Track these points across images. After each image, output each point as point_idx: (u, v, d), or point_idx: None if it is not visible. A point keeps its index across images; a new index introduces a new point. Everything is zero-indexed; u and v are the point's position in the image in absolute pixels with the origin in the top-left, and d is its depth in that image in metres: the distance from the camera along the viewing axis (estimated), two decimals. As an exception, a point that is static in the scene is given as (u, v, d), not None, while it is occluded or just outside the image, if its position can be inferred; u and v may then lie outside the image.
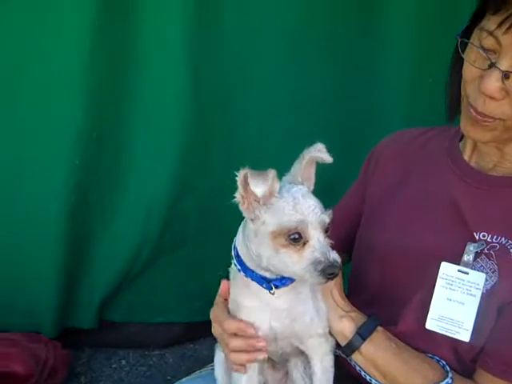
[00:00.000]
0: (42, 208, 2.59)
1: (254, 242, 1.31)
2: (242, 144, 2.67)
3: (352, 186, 1.85)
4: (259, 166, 1.26)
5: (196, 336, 2.98)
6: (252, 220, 1.29)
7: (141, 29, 2.53)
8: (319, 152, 1.34)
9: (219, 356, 1.67)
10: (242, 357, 1.43)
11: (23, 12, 2.41)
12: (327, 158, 1.34)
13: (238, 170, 1.28)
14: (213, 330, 1.52)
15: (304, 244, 1.24)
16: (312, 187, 1.38)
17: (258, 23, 2.63)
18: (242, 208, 1.29)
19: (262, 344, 1.38)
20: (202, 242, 2.81)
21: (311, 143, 1.36)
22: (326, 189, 1.40)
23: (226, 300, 1.48)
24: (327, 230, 1.28)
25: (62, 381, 2.61)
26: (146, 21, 2.52)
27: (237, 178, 1.25)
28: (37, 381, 2.42)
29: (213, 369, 1.70)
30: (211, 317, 1.52)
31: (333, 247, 1.27)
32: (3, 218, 2.64)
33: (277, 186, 1.26)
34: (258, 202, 1.27)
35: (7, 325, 2.69)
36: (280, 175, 1.33)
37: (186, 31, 2.53)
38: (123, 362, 2.85)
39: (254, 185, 1.23)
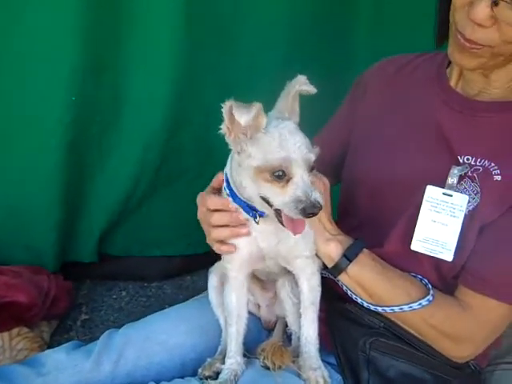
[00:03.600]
0: (40, 144, 2.59)
1: (238, 173, 1.35)
2: (234, 79, 2.66)
3: (339, 110, 1.87)
4: (251, 101, 1.28)
5: (193, 268, 3.02)
6: (238, 152, 1.32)
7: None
8: (303, 85, 1.36)
9: (213, 280, 1.74)
10: (225, 232, 1.45)
11: None
12: (311, 90, 1.36)
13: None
14: (198, 214, 1.54)
15: (288, 181, 1.26)
16: (297, 120, 1.40)
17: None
18: (228, 139, 1.32)
19: (244, 218, 1.42)
20: (199, 176, 2.80)
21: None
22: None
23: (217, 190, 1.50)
24: (312, 168, 1.30)
25: (64, 310, 2.68)
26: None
27: (222, 110, 1.28)
28: (40, 310, 2.47)
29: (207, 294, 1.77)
30: (197, 201, 1.55)
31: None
32: (1, 155, 2.65)
33: (263, 120, 1.29)
34: (245, 135, 1.29)
35: (10, 259, 2.73)
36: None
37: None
38: (123, 293, 2.92)
39: (238, 115, 1.26)
